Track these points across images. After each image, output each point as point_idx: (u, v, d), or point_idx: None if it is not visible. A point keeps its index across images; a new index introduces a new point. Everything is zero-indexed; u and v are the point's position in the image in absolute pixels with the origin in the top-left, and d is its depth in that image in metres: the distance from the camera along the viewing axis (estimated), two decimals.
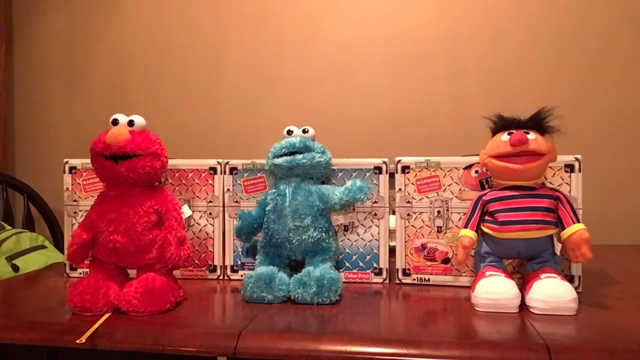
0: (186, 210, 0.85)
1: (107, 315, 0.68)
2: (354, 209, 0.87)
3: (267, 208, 0.81)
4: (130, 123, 0.74)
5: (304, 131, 0.83)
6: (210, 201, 0.90)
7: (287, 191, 0.79)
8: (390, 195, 0.87)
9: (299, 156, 0.79)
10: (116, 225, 0.72)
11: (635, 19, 1.38)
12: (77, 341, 0.60)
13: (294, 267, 0.82)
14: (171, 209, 0.76)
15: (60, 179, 0.95)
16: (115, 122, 0.74)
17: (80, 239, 0.73)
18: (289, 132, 0.82)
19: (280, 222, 0.79)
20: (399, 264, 0.86)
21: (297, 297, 0.73)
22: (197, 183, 0.91)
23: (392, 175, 0.86)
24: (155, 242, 0.73)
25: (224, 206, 0.90)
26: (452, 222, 0.84)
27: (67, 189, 0.95)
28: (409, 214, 0.85)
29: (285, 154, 0.80)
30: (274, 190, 0.81)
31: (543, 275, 0.69)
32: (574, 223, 0.69)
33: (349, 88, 1.53)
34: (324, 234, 0.79)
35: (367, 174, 0.87)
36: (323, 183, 0.88)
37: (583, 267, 0.79)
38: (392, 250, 0.87)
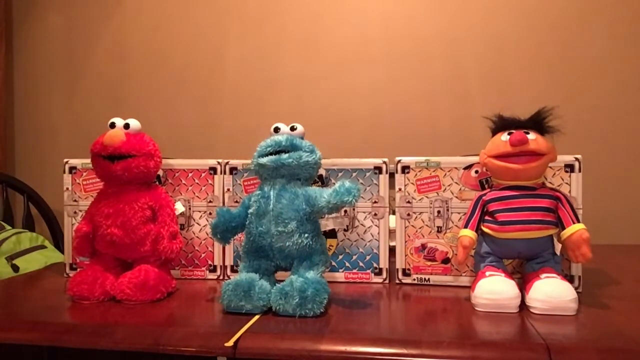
0: (179, 207, 0.87)
1: (256, 317, 0.67)
2: (345, 212, 0.87)
3: (250, 210, 0.75)
4: (126, 126, 0.80)
5: (292, 128, 0.76)
6: (210, 201, 0.90)
7: (271, 193, 0.73)
8: (390, 195, 0.87)
9: (285, 155, 0.72)
10: (113, 219, 0.78)
11: (636, 19, 1.38)
12: (226, 344, 0.58)
13: (287, 269, 0.76)
14: (164, 205, 0.82)
15: (60, 179, 0.95)
16: (112, 125, 0.80)
17: (81, 231, 0.79)
18: (276, 130, 0.77)
19: (263, 226, 0.73)
20: (399, 264, 0.86)
21: (278, 308, 0.67)
22: (197, 183, 0.91)
23: (392, 175, 0.86)
24: (149, 235, 0.79)
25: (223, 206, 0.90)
26: (452, 222, 0.84)
27: (67, 189, 0.95)
28: (409, 214, 0.85)
29: (271, 153, 0.73)
30: (258, 192, 0.75)
31: (543, 275, 0.69)
32: (574, 223, 0.69)
33: (348, 88, 1.53)
34: (310, 240, 0.72)
35: (367, 174, 0.87)
36: (323, 185, 0.88)
37: (583, 267, 0.79)
38: (392, 250, 0.87)
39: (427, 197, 0.84)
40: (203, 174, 0.91)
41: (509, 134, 0.72)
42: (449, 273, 0.84)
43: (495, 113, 0.76)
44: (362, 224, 0.87)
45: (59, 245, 1.43)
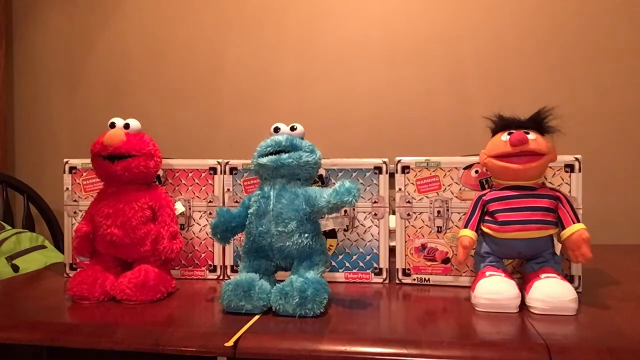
0: (179, 207, 0.87)
1: (256, 317, 0.67)
2: (345, 212, 0.87)
3: (250, 210, 0.75)
4: (126, 126, 0.80)
5: (292, 128, 0.76)
6: (210, 201, 0.90)
7: (271, 193, 0.73)
8: (390, 195, 0.87)
9: (285, 155, 0.72)
10: (113, 219, 0.78)
11: (636, 19, 1.38)
12: (226, 344, 0.58)
13: (287, 269, 0.76)
14: (164, 205, 0.82)
15: (60, 179, 0.95)
16: (112, 125, 0.80)
17: (81, 231, 0.79)
18: (276, 130, 0.76)
19: (263, 226, 0.73)
20: (399, 264, 0.86)
21: (278, 308, 0.67)
22: (197, 183, 0.91)
23: (392, 175, 0.86)
24: (149, 235, 0.79)
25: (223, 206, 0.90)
26: (452, 222, 0.84)
27: (67, 189, 0.95)
28: (409, 214, 0.85)
29: (271, 153, 0.73)
30: (258, 192, 0.75)
31: (543, 275, 0.69)
32: (574, 223, 0.69)
33: (348, 88, 1.53)
34: (310, 240, 0.72)
35: (367, 174, 0.87)
36: (323, 185, 0.88)
37: (583, 267, 0.79)
38: (392, 250, 0.87)
39: (427, 197, 0.84)
40: (203, 174, 0.91)
41: (509, 134, 0.72)
42: (449, 273, 0.84)
43: (495, 113, 0.76)
44: (362, 224, 0.87)
45: (59, 245, 1.43)
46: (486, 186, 0.82)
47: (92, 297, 0.75)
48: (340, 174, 0.87)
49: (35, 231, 1.33)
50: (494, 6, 1.45)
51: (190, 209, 0.91)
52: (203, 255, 0.91)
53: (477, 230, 0.75)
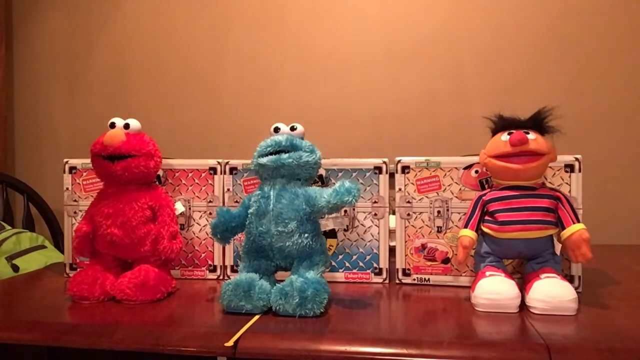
0: (179, 207, 0.87)
1: (256, 317, 0.67)
2: (345, 212, 0.87)
3: (250, 211, 0.75)
4: (126, 126, 0.80)
5: (292, 128, 0.76)
6: (210, 201, 0.90)
7: (271, 193, 0.73)
8: (390, 195, 0.87)
9: (285, 155, 0.73)
10: (113, 219, 0.78)
11: (635, 19, 1.38)
12: (226, 344, 0.58)
13: (287, 269, 0.76)
14: (164, 205, 0.82)
15: (60, 179, 0.95)
16: (112, 125, 0.80)
17: (81, 231, 0.80)
18: (276, 130, 0.76)
19: (263, 226, 0.73)
20: (399, 264, 0.86)
21: (278, 308, 0.67)
22: (197, 183, 0.91)
23: (392, 175, 0.86)
24: (149, 235, 0.79)
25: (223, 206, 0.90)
26: (452, 222, 0.84)
27: (67, 189, 0.95)
28: (409, 214, 0.85)
29: (271, 153, 0.73)
30: (258, 192, 0.75)
31: (543, 275, 0.69)
32: (574, 223, 0.69)
33: (348, 88, 1.53)
34: (310, 240, 0.72)
35: (367, 174, 0.87)
36: (323, 185, 0.88)
37: (583, 267, 0.79)
38: (392, 250, 0.87)
39: (427, 197, 0.84)
40: (203, 174, 0.91)
41: (509, 134, 0.72)
42: (449, 273, 0.84)
43: (495, 113, 0.76)
44: (362, 224, 0.87)
45: (59, 245, 1.43)
46: (486, 186, 0.82)
47: (92, 297, 0.75)
48: (340, 174, 0.87)
49: (35, 231, 1.33)
50: (494, 6, 1.45)
51: (190, 209, 0.91)
52: (203, 255, 0.91)
53: (477, 230, 0.75)
